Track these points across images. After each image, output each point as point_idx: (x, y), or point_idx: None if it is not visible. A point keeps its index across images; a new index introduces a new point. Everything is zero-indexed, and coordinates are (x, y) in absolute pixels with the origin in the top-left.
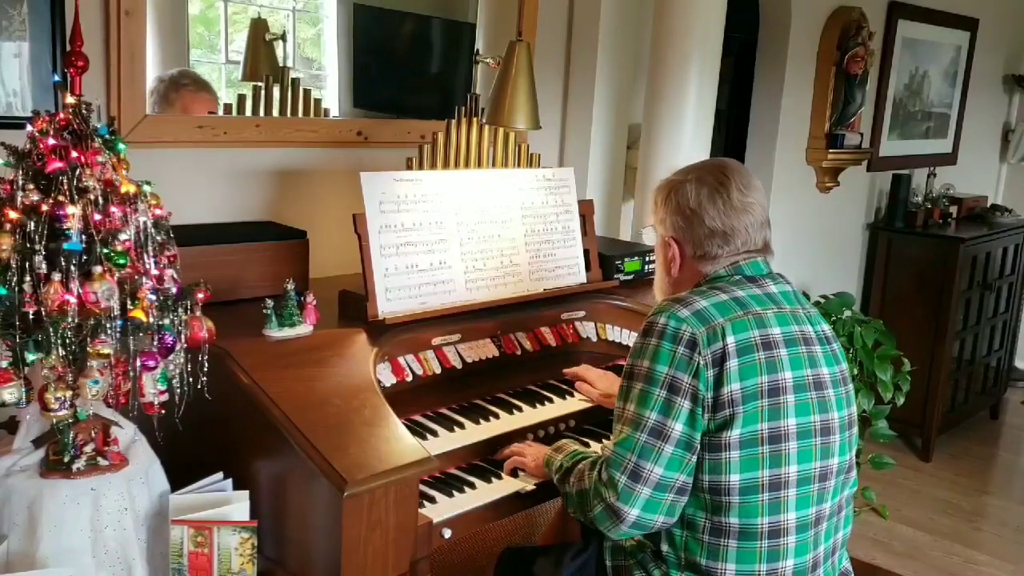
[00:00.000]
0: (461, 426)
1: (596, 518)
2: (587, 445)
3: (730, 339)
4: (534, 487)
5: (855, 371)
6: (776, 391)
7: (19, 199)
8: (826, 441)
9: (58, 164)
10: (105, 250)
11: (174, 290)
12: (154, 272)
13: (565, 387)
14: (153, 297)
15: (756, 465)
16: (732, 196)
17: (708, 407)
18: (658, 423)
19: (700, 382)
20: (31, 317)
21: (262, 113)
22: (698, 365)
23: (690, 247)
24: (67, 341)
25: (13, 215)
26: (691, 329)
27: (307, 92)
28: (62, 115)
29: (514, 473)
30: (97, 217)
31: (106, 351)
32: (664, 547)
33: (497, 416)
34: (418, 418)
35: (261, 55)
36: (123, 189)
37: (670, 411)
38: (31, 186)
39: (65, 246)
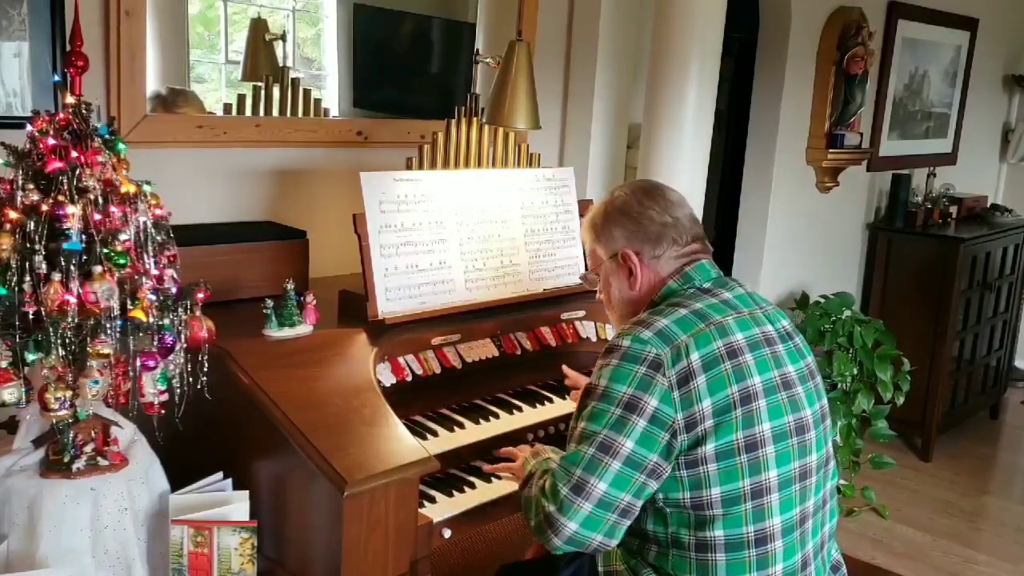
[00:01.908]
0: (461, 426)
1: (535, 528)
2: None
3: (694, 356)
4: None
5: (855, 371)
6: (748, 398)
7: (19, 199)
8: (802, 440)
9: (58, 164)
10: (105, 250)
11: (174, 290)
12: (154, 272)
13: (565, 387)
14: (153, 297)
15: (736, 476)
16: (665, 193)
17: (681, 428)
18: (608, 439)
19: (666, 404)
20: (31, 317)
21: (262, 113)
22: (662, 387)
23: (647, 247)
24: (67, 341)
25: (13, 215)
26: (655, 350)
27: (307, 92)
28: (62, 115)
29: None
30: (97, 217)
31: (106, 351)
32: (653, 562)
33: (497, 416)
34: (418, 418)
35: (261, 55)
36: (123, 189)
37: (622, 429)
38: (31, 186)
39: (65, 246)
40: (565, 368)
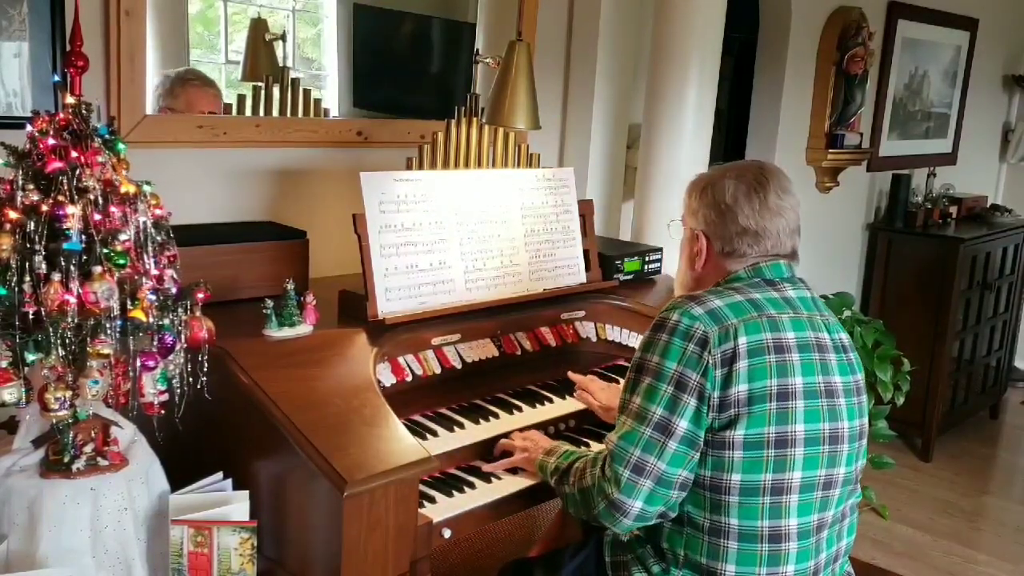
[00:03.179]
0: (461, 426)
1: (600, 514)
2: (587, 445)
3: (741, 339)
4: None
5: None
6: (785, 395)
7: (19, 199)
8: (834, 450)
9: (58, 164)
10: (105, 250)
11: (174, 290)
12: (154, 272)
13: (565, 387)
14: (153, 297)
15: (760, 468)
16: (768, 198)
17: (714, 406)
18: (663, 419)
19: (708, 380)
20: (31, 317)
21: (262, 113)
22: (707, 364)
23: (719, 243)
24: (67, 341)
25: (13, 215)
26: (703, 327)
27: (307, 92)
28: (62, 115)
29: (514, 471)
30: (97, 217)
31: (106, 351)
32: (664, 544)
33: (497, 416)
34: (418, 418)
35: (261, 55)
36: (123, 189)
37: (676, 407)
38: (31, 186)
39: (65, 246)
40: (571, 374)
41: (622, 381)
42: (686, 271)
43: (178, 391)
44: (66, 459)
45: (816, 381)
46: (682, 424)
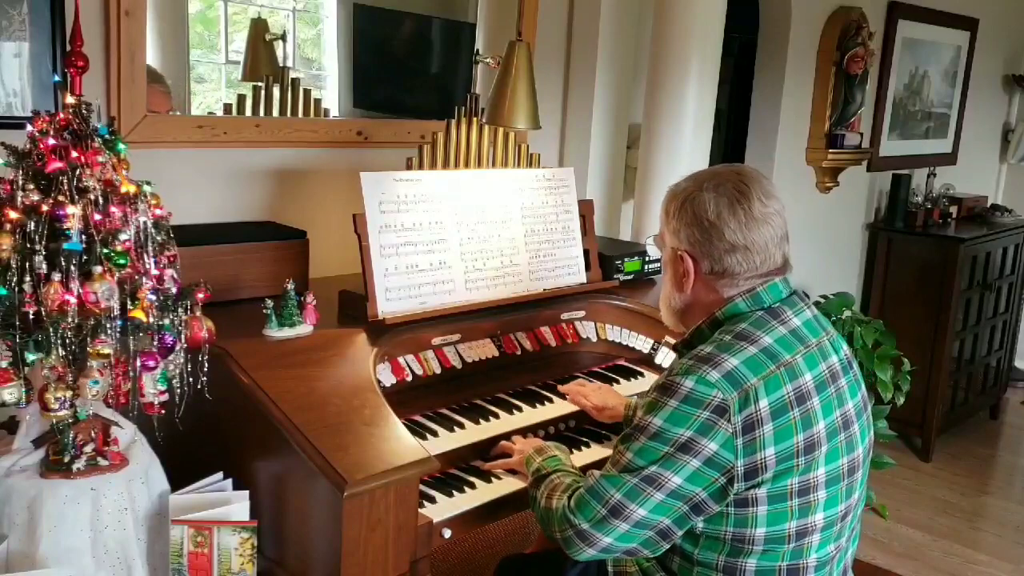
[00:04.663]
0: (461, 426)
1: (563, 540)
2: (587, 446)
3: (763, 403)
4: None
5: None
6: (811, 447)
7: (19, 199)
8: (851, 481)
9: (58, 164)
10: (105, 250)
11: (174, 290)
12: (154, 272)
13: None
14: (153, 297)
15: (784, 519)
16: (753, 207)
17: (740, 476)
18: (655, 473)
19: (727, 450)
20: (31, 317)
21: (262, 113)
22: (725, 432)
23: (707, 262)
24: (67, 341)
25: (13, 215)
26: (722, 395)
27: (307, 92)
28: (62, 115)
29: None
30: (97, 217)
31: (106, 351)
32: (674, 567)
33: (497, 416)
34: (418, 418)
35: (261, 55)
36: (123, 189)
37: (672, 466)
38: (31, 186)
39: (65, 246)
40: (560, 387)
41: (621, 381)
42: (673, 294)
43: (178, 391)
44: (66, 459)
45: (835, 418)
46: (675, 480)
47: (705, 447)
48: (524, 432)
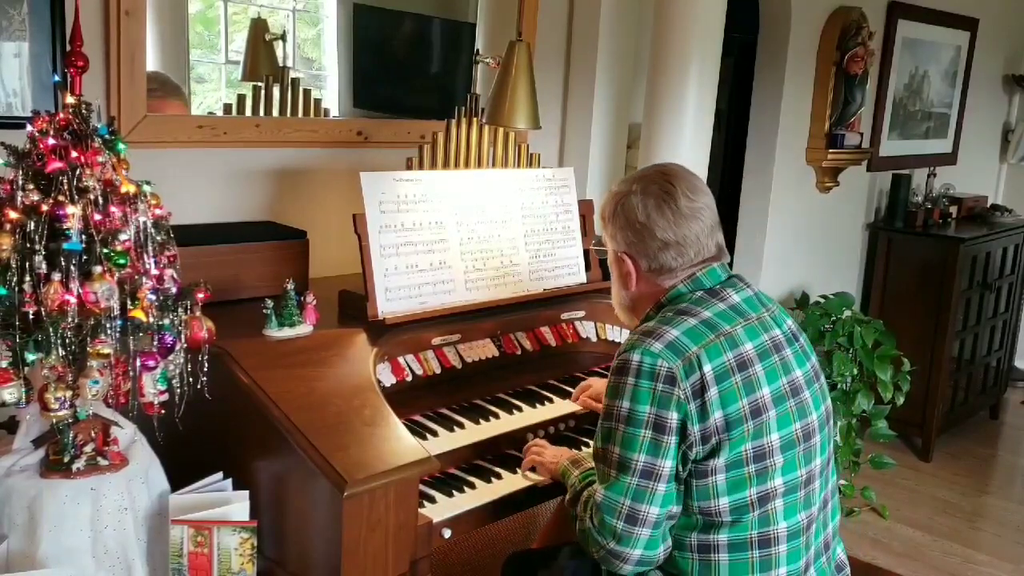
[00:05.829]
0: (461, 426)
1: (601, 560)
2: (588, 446)
3: (707, 367)
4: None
5: (855, 371)
6: (758, 411)
7: (19, 199)
8: (808, 447)
9: (58, 164)
10: (105, 250)
11: (174, 290)
12: (154, 272)
13: (565, 387)
14: (153, 297)
15: (744, 486)
16: (680, 204)
17: (697, 439)
18: (648, 464)
19: (684, 416)
20: (31, 317)
21: (262, 113)
22: (679, 400)
23: (644, 261)
24: (67, 341)
25: (13, 215)
26: (667, 364)
27: (307, 92)
28: (62, 115)
29: (532, 468)
30: (97, 217)
31: (106, 351)
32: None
33: (497, 416)
34: (418, 418)
35: (261, 55)
36: (123, 189)
37: (658, 450)
38: (31, 186)
39: (65, 246)
40: (574, 400)
41: None
42: (621, 292)
43: (178, 391)
44: (66, 459)
45: (781, 384)
46: (667, 464)
47: (669, 419)
48: (524, 432)
